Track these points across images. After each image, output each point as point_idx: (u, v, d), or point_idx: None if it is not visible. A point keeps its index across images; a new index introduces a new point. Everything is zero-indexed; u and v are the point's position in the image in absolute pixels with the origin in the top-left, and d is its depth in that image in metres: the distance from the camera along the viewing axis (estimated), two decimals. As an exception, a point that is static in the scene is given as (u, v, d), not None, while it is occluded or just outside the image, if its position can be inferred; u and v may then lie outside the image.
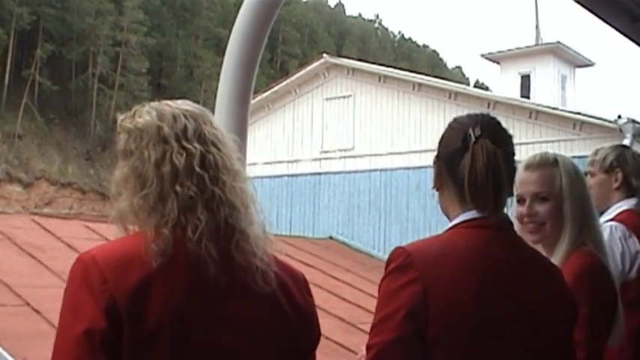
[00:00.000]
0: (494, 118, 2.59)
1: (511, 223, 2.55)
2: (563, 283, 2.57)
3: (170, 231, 2.06)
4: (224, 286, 2.09)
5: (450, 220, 2.52)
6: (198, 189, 2.12)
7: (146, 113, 2.24)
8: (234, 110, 4.11)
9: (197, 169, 2.14)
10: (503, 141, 2.57)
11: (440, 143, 2.62)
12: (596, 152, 4.62)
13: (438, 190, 2.59)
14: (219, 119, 4.16)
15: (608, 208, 4.46)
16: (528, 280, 2.45)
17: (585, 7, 4.08)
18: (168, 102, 2.33)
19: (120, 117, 2.29)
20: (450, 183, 2.53)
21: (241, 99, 4.16)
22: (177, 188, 2.11)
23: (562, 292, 2.55)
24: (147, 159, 2.15)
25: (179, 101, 2.35)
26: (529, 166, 3.33)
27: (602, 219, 4.17)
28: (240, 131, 4.09)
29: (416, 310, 2.24)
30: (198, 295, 2.05)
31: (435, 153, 2.64)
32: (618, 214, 4.24)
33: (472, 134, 2.48)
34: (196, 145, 2.17)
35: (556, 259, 3.08)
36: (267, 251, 2.20)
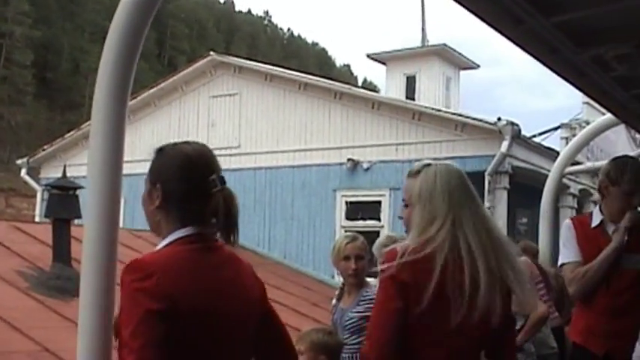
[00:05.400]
0: None
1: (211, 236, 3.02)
2: (253, 276, 3.18)
3: None
4: None
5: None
6: None
7: None
8: (112, 105, 4.07)
9: None
10: None
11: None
12: None
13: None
14: (97, 114, 4.12)
15: None
16: (235, 283, 3.03)
17: (470, 10, 4.12)
18: None
19: None
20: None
21: (120, 93, 4.12)
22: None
23: (254, 282, 3.15)
24: None
25: None
26: (406, 175, 3.56)
27: None
28: (118, 126, 4.06)
29: (164, 312, 2.64)
30: None
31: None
32: None
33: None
34: None
35: None
36: None
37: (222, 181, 2.98)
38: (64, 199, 11.36)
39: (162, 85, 20.96)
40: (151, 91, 20.91)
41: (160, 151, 3.15)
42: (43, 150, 22.63)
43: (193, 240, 2.90)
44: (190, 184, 2.96)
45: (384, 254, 3.33)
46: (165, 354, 2.59)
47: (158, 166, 3.10)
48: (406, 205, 3.47)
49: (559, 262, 5.51)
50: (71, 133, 22.15)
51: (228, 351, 2.91)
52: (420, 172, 3.43)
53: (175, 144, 3.17)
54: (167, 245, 2.91)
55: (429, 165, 3.47)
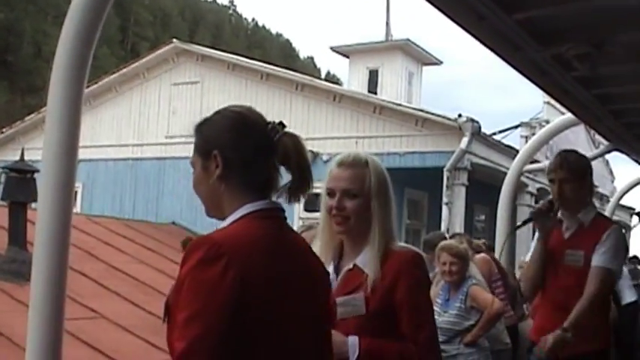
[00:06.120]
0: None
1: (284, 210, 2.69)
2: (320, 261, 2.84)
3: None
4: None
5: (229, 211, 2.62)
6: None
7: None
8: (69, 84, 4.02)
9: None
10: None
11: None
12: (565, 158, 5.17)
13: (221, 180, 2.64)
14: (54, 94, 4.06)
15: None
16: (308, 261, 2.72)
17: (432, 4, 4.14)
18: None
19: None
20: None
21: (77, 73, 4.08)
22: None
23: (322, 266, 2.83)
24: None
25: None
26: (342, 164, 3.47)
27: None
28: (75, 106, 4.01)
29: (234, 299, 2.28)
30: None
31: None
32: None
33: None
34: None
35: (371, 250, 3.30)
36: None
37: (283, 125, 2.67)
38: (21, 182, 11.26)
39: (124, 70, 20.88)
40: (113, 76, 20.83)
41: (203, 122, 2.76)
42: (2, 132, 22.43)
43: (266, 215, 2.58)
44: (252, 139, 2.63)
45: (424, 259, 3.39)
46: (223, 349, 2.25)
47: (207, 134, 2.71)
48: (354, 196, 3.36)
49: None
50: (31, 116, 21.97)
51: (301, 341, 2.54)
52: (367, 163, 3.40)
53: (217, 111, 2.80)
54: (237, 220, 2.56)
55: (367, 156, 3.48)
